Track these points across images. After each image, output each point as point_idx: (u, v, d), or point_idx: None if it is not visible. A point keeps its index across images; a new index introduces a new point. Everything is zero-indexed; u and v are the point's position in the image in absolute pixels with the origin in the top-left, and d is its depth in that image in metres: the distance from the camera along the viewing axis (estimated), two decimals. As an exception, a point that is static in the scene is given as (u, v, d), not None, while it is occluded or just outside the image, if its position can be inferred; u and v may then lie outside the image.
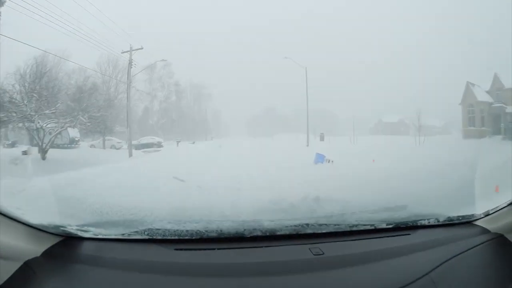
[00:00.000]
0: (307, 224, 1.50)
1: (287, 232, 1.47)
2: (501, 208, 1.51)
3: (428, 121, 23.03)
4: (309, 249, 1.34)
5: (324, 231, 1.50)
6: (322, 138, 21.49)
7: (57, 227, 1.35)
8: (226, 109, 28.49)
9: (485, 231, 1.54)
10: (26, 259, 1.17)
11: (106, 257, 1.28)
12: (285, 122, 28.71)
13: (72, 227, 1.39)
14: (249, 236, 1.42)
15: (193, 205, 4.34)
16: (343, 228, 1.53)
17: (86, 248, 1.34)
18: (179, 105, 23.76)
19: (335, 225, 1.55)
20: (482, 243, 1.44)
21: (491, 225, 1.54)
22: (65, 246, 1.34)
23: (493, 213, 1.55)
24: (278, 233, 1.46)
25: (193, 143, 22.31)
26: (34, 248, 1.23)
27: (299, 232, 1.47)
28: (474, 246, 1.41)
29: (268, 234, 1.44)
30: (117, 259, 1.28)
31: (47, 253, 1.25)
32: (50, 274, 1.18)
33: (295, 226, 1.50)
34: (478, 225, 1.59)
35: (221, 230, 1.44)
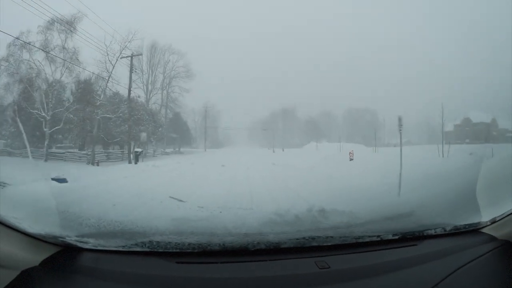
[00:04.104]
0: (313, 237, 1.47)
1: (292, 245, 1.44)
2: (508, 215, 1.49)
3: (500, 122, 18.13)
4: (314, 262, 1.31)
5: (330, 244, 1.46)
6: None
7: (56, 237, 1.34)
8: (225, 107, 19.27)
9: (492, 238, 1.52)
10: (24, 268, 1.15)
11: (105, 269, 1.25)
12: (307, 127, 21.34)
13: (71, 238, 1.37)
14: (253, 249, 1.39)
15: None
16: (349, 240, 1.50)
17: (85, 259, 1.31)
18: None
19: (341, 237, 1.52)
20: (490, 250, 1.42)
21: (498, 232, 1.52)
22: (63, 256, 1.32)
23: (500, 220, 1.53)
24: (283, 246, 1.43)
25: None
26: (33, 257, 1.21)
27: (304, 245, 1.44)
28: (482, 255, 1.39)
29: (272, 247, 1.41)
30: (117, 271, 1.25)
31: (45, 263, 1.23)
32: (48, 284, 1.16)
33: (300, 239, 1.47)
34: (485, 233, 1.57)
35: (224, 244, 1.41)
